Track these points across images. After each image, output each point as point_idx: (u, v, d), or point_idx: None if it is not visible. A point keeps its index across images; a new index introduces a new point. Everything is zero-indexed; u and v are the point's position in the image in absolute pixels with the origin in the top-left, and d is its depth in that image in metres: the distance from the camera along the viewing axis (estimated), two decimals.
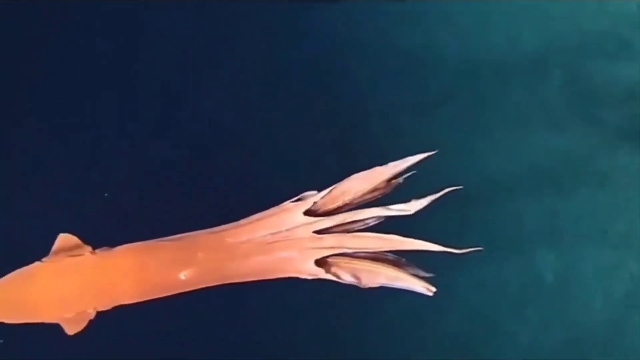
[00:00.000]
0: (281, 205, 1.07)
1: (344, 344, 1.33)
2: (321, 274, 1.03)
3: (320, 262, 1.04)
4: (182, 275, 1.04)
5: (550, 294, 1.40)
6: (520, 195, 1.44)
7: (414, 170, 1.16)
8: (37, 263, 1.01)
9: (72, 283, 1.02)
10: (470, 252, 1.06)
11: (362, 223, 1.07)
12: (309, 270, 1.04)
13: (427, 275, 1.08)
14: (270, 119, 1.47)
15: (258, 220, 1.05)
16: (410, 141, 1.43)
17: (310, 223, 1.05)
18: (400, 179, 1.09)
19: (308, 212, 1.05)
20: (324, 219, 1.05)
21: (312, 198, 1.05)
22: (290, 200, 1.08)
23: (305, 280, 1.08)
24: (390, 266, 1.05)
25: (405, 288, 1.05)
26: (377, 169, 1.07)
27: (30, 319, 1.02)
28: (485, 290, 1.36)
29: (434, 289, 1.05)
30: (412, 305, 1.31)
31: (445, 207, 1.20)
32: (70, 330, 1.01)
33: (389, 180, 1.08)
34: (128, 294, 1.01)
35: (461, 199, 1.22)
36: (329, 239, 1.05)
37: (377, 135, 1.44)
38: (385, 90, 1.49)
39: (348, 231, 1.06)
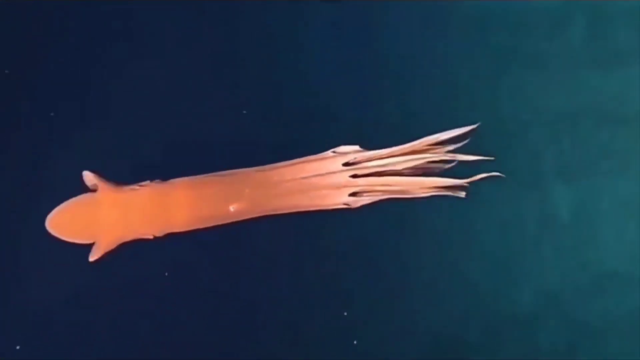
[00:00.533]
0: (324, 153, 1.19)
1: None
2: (355, 203, 1.16)
3: (355, 195, 1.16)
4: (231, 208, 1.16)
5: (566, 231, 1.44)
6: (538, 134, 1.54)
7: (455, 143, 1.26)
8: (98, 191, 1.12)
9: (134, 211, 1.14)
10: (481, 178, 1.16)
11: (394, 171, 1.19)
12: (345, 201, 1.16)
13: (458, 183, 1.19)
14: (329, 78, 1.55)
15: (301, 163, 1.17)
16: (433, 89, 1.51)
17: (348, 170, 1.17)
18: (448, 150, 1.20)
19: (347, 164, 1.17)
20: (360, 167, 1.17)
21: (354, 153, 1.17)
22: (331, 150, 1.19)
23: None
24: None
25: (443, 194, 1.16)
26: (420, 140, 1.18)
27: (93, 239, 1.13)
28: (502, 228, 1.45)
29: (463, 194, 1.16)
30: (429, 242, 1.42)
31: (464, 146, 1.30)
32: (97, 253, 1.13)
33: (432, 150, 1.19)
34: (181, 222, 1.13)
35: (479, 138, 1.32)
36: (363, 180, 1.17)
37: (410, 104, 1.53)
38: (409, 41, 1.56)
39: (381, 175, 1.18)
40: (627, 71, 1.49)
